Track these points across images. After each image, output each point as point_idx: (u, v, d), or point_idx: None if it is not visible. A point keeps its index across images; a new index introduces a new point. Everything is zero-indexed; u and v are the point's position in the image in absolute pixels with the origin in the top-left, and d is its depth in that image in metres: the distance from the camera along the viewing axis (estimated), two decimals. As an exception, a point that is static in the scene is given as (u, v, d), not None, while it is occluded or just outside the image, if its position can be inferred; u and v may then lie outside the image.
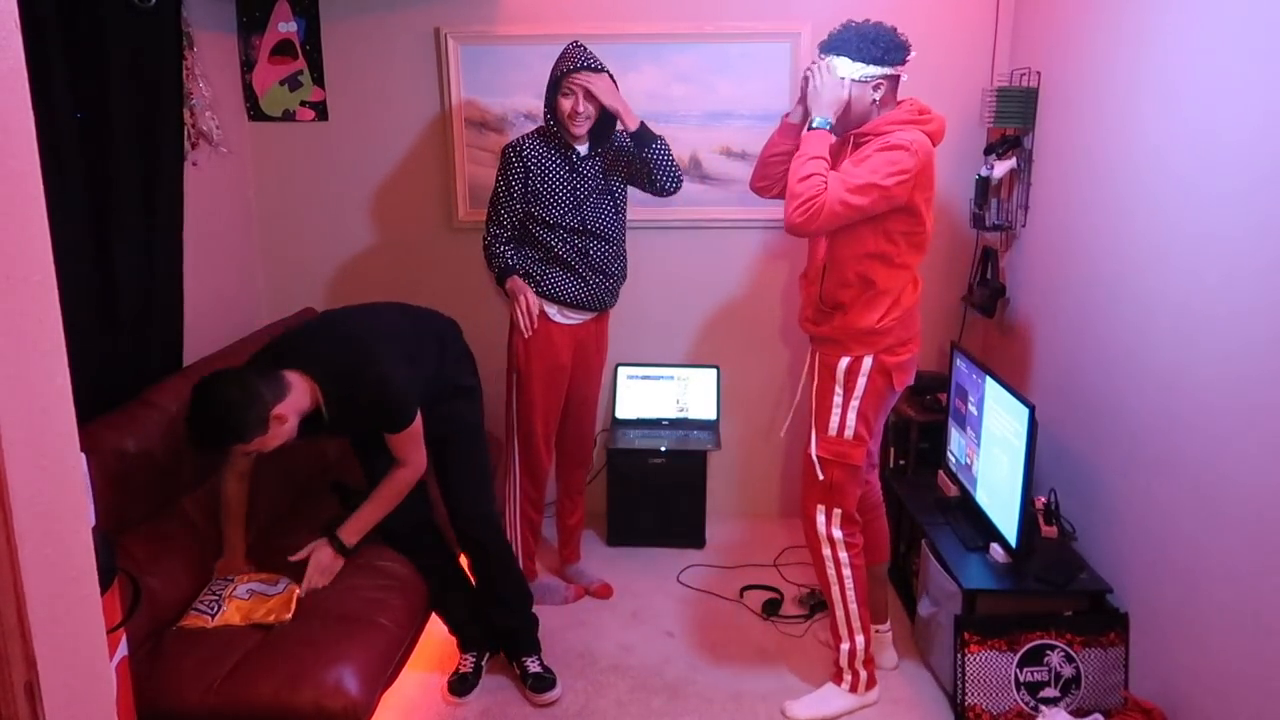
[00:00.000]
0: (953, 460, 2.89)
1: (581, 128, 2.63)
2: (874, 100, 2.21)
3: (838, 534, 2.40)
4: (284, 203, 3.34)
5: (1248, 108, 1.89)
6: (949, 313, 3.33)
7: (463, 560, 2.58)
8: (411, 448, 2.29)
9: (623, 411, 3.42)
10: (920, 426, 3.06)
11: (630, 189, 2.83)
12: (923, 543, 2.68)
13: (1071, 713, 2.27)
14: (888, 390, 2.33)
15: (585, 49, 2.59)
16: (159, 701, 1.87)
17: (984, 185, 3.00)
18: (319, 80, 3.22)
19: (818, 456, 2.37)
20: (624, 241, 2.83)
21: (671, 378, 3.43)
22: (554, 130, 2.64)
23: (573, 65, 2.55)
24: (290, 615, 2.12)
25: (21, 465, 0.94)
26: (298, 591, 2.17)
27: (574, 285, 2.72)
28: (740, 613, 2.96)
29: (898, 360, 2.31)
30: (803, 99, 2.29)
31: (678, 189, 2.73)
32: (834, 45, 2.21)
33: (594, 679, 2.61)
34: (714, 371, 3.42)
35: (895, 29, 2.21)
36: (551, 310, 2.74)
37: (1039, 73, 2.87)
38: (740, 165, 3.23)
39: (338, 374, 2.18)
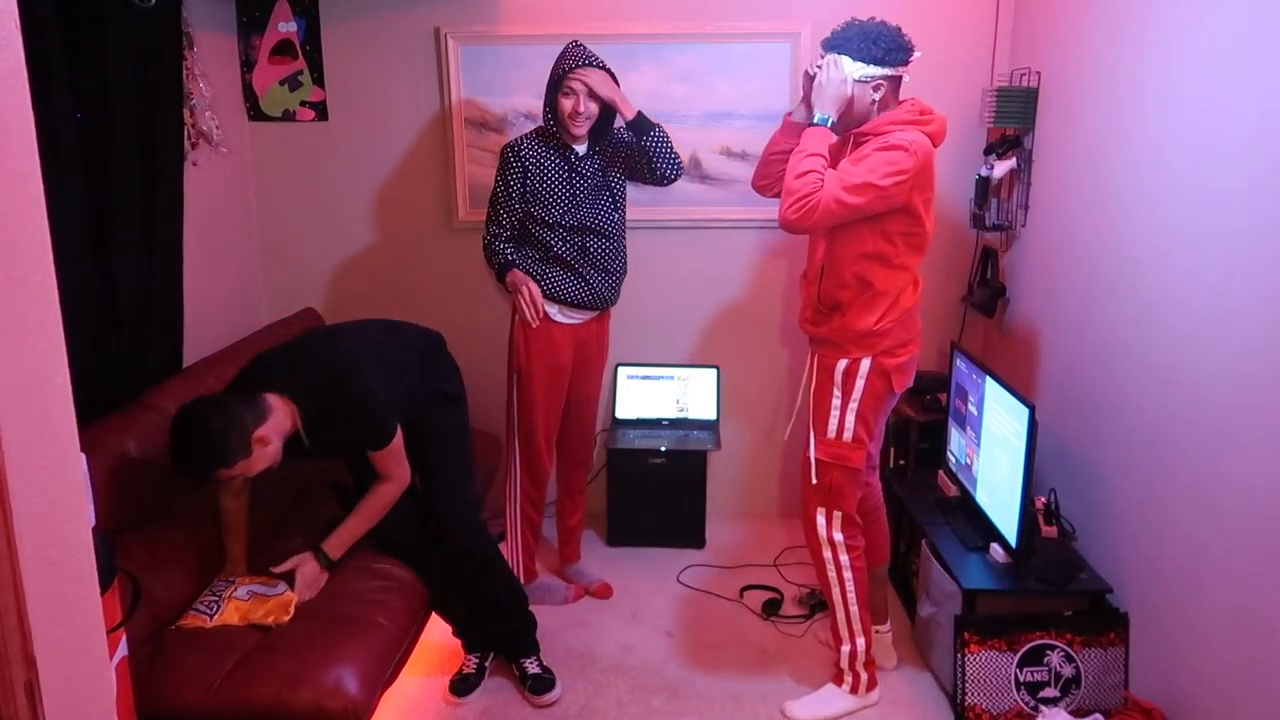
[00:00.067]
0: (953, 460, 2.89)
1: (582, 128, 2.63)
2: (874, 100, 2.21)
3: (838, 537, 2.39)
4: (284, 203, 3.34)
5: (1248, 107, 1.89)
6: (949, 313, 3.33)
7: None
8: (394, 463, 2.29)
9: (623, 411, 3.42)
10: (920, 426, 3.06)
11: (630, 187, 2.83)
12: (923, 543, 2.68)
13: (1071, 713, 2.27)
14: (887, 392, 2.33)
15: (584, 48, 2.59)
16: (159, 701, 1.87)
17: (984, 185, 3.00)
18: (319, 80, 3.22)
19: (816, 459, 2.36)
20: (624, 238, 2.83)
21: (671, 378, 3.43)
22: (553, 130, 2.64)
23: (573, 64, 2.55)
24: (288, 618, 2.12)
25: (21, 465, 0.94)
26: (295, 598, 2.17)
27: (574, 284, 2.72)
28: (740, 613, 2.96)
29: (897, 362, 2.30)
30: (806, 97, 2.29)
31: (678, 176, 2.74)
32: (836, 43, 2.20)
33: (594, 679, 2.61)
34: (714, 371, 3.42)
35: (899, 29, 2.20)
36: (553, 310, 2.74)
37: (1039, 73, 2.87)
38: (740, 165, 3.23)
39: (316, 394, 2.18)
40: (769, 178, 2.41)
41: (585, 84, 2.55)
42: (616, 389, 3.41)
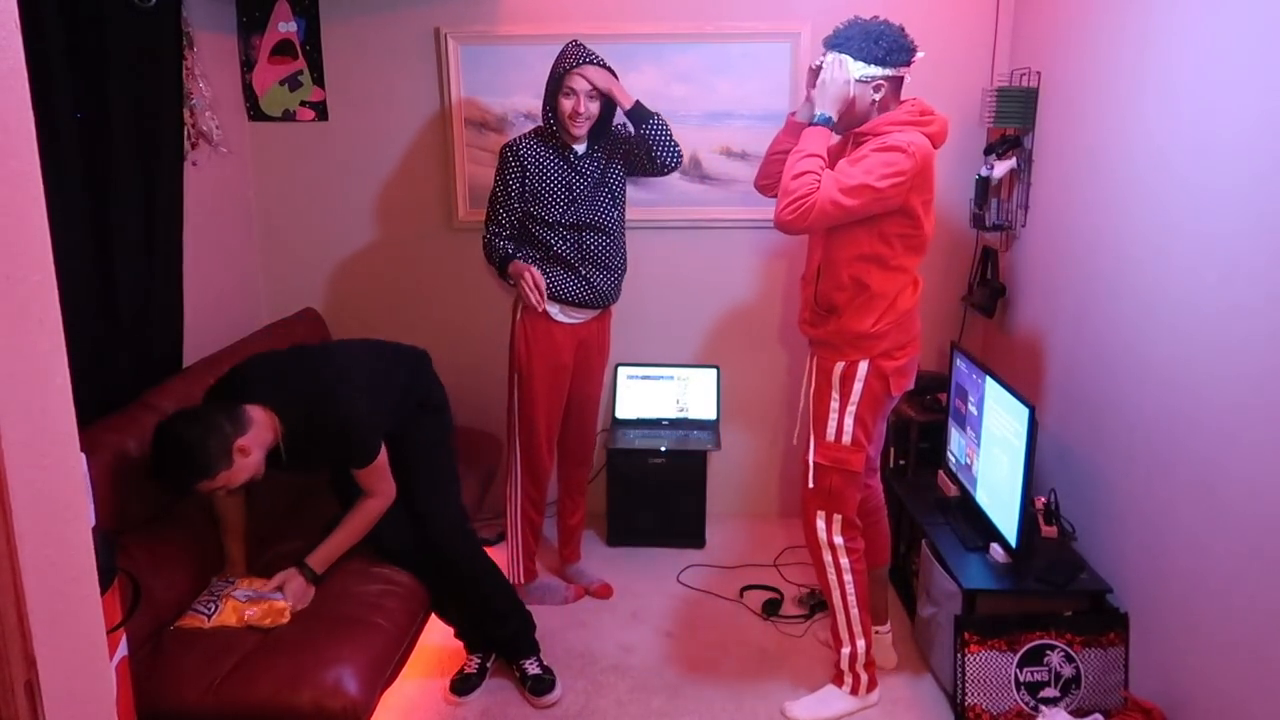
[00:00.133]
0: (953, 460, 2.89)
1: (582, 128, 2.63)
2: (874, 100, 2.19)
3: (838, 540, 2.38)
4: (284, 203, 3.34)
5: (1248, 107, 1.89)
6: (949, 313, 3.33)
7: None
8: (377, 479, 2.30)
9: (623, 411, 3.42)
10: (920, 426, 3.06)
11: (630, 187, 2.83)
12: (923, 543, 2.67)
13: (1071, 713, 2.27)
14: (885, 395, 2.31)
15: (583, 46, 2.59)
16: (159, 701, 1.87)
17: (984, 185, 3.00)
18: (319, 80, 3.22)
19: (815, 462, 2.35)
20: (623, 234, 2.82)
21: (671, 378, 3.43)
22: (553, 130, 2.65)
23: (572, 62, 2.55)
24: (286, 620, 2.12)
25: (21, 465, 0.94)
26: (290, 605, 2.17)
27: (575, 283, 2.72)
28: (740, 613, 2.96)
29: (895, 365, 2.29)
30: (810, 93, 2.28)
31: (678, 164, 2.74)
32: (838, 41, 2.19)
33: (594, 679, 2.61)
34: (714, 371, 3.42)
35: (902, 29, 2.18)
36: (554, 310, 2.73)
37: (1039, 73, 2.87)
38: (740, 165, 3.23)
39: (300, 408, 2.19)
40: (771, 177, 2.40)
41: (586, 79, 2.55)
42: (616, 389, 3.40)
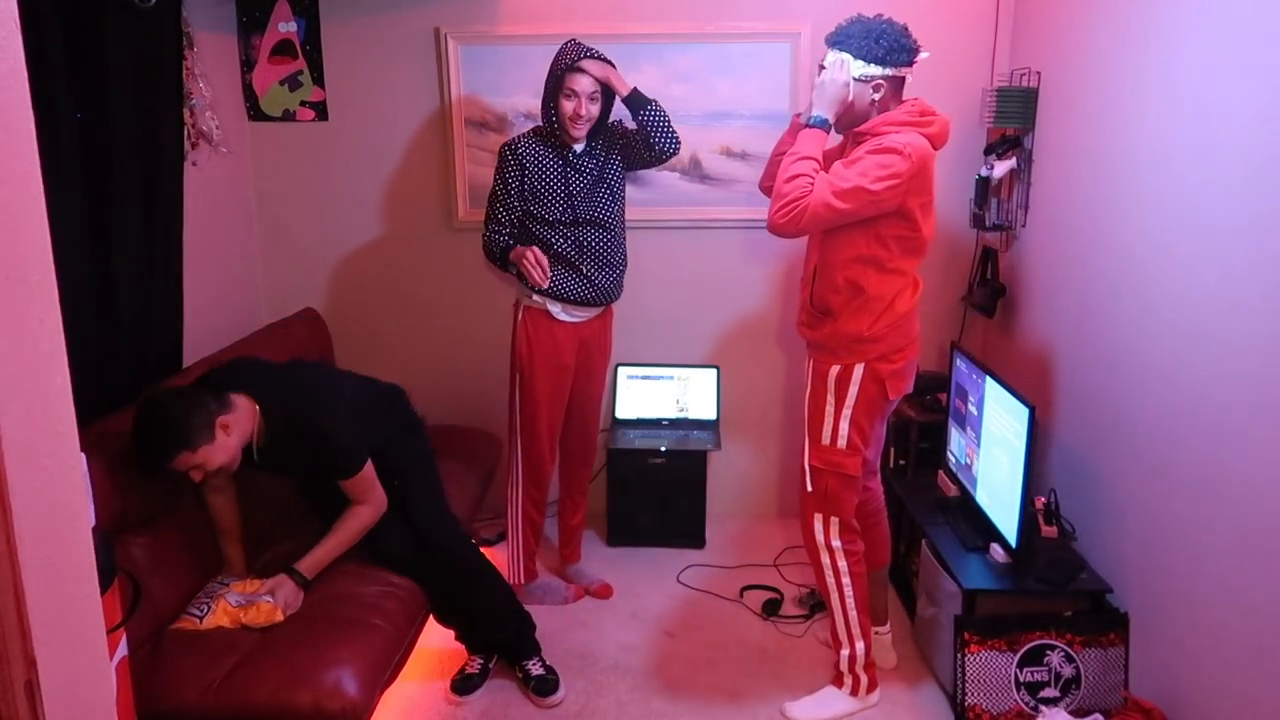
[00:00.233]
0: (953, 460, 2.89)
1: (582, 130, 2.63)
2: (873, 100, 2.17)
3: (836, 543, 2.37)
4: (284, 203, 3.34)
5: (1248, 107, 1.89)
6: (949, 313, 3.33)
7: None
8: (364, 489, 2.31)
9: (623, 411, 3.42)
10: (920, 426, 3.05)
11: (630, 186, 2.82)
12: (923, 543, 2.67)
13: (1071, 713, 2.27)
14: (882, 399, 2.29)
15: (581, 44, 2.59)
16: (159, 701, 1.87)
17: (984, 185, 3.00)
18: (319, 80, 3.22)
19: (811, 465, 2.34)
20: (623, 230, 2.82)
21: (671, 378, 3.43)
22: (553, 129, 2.65)
23: (573, 58, 2.55)
24: (279, 619, 2.12)
25: (21, 465, 0.94)
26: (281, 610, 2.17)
27: (576, 282, 2.71)
28: (740, 613, 2.96)
29: (892, 368, 2.26)
30: None
31: (676, 150, 2.73)
32: (839, 39, 2.16)
33: (594, 679, 2.61)
34: (714, 371, 3.42)
35: (905, 28, 2.15)
36: (555, 309, 2.73)
37: (1039, 73, 2.87)
38: (740, 165, 3.23)
39: (284, 409, 2.22)
40: (774, 179, 2.39)
41: (586, 73, 2.55)
42: (616, 389, 3.40)
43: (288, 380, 2.32)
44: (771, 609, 2.93)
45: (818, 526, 2.38)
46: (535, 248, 2.63)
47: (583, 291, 2.72)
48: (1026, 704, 2.32)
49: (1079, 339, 2.61)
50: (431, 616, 2.48)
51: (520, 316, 2.78)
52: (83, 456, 1.09)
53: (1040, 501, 2.60)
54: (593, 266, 2.72)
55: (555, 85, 2.59)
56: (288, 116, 3.25)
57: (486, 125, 3.24)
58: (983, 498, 2.63)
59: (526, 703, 2.51)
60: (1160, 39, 2.22)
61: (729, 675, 2.63)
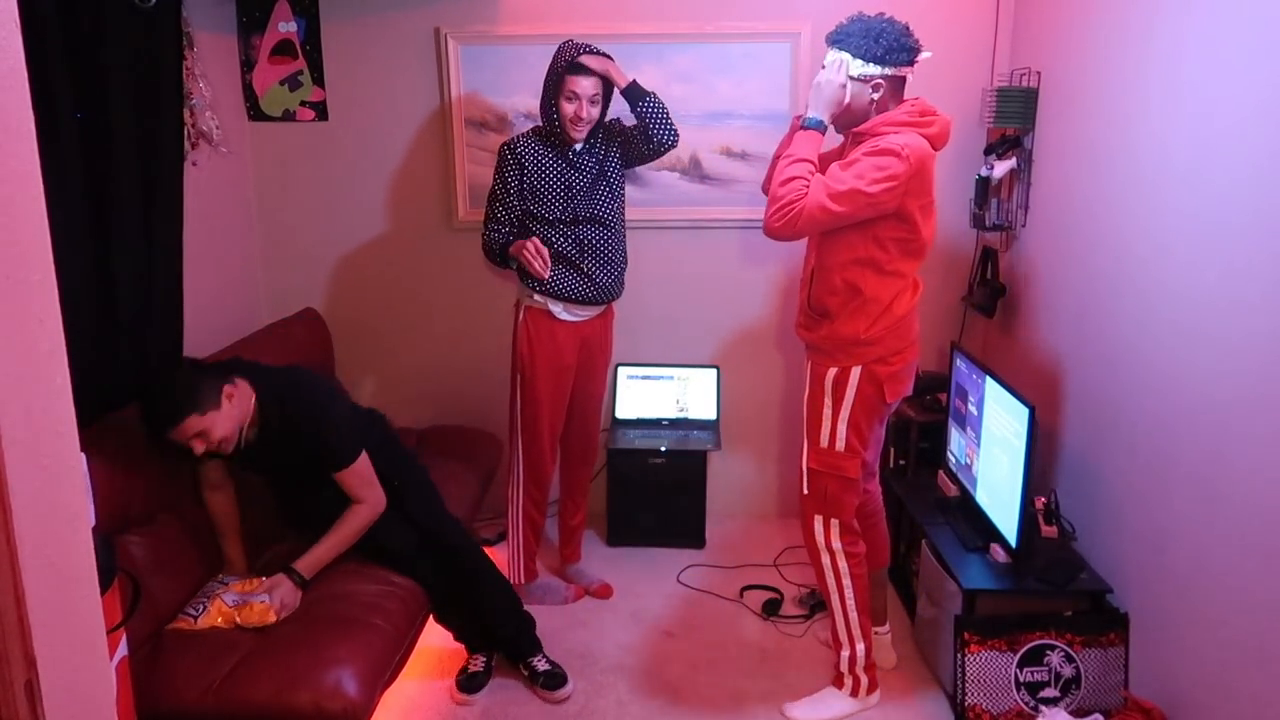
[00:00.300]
0: (953, 460, 2.89)
1: (582, 132, 2.63)
2: (872, 100, 2.15)
3: (837, 545, 2.37)
4: (284, 203, 3.34)
5: (1248, 107, 1.89)
6: (949, 313, 3.33)
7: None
8: (360, 484, 2.32)
9: (623, 411, 3.42)
10: (920, 426, 3.06)
11: (630, 186, 2.83)
12: (923, 543, 2.67)
13: (1071, 713, 2.27)
14: (880, 402, 2.27)
15: (579, 43, 2.59)
16: (159, 701, 1.88)
17: (984, 185, 3.00)
18: (319, 80, 3.22)
19: (809, 468, 2.34)
20: (623, 227, 2.82)
21: (671, 378, 3.43)
22: (553, 129, 2.65)
23: (571, 54, 2.55)
24: (272, 620, 2.12)
25: (21, 465, 0.94)
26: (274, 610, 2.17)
27: (576, 280, 2.71)
28: (740, 613, 2.95)
29: (890, 370, 2.24)
30: None
31: (674, 143, 2.73)
32: (838, 38, 2.14)
33: (594, 679, 2.61)
34: (714, 371, 3.42)
35: (906, 27, 2.12)
36: (557, 308, 2.73)
37: (1039, 73, 2.87)
38: (740, 165, 3.23)
39: (280, 395, 2.27)
40: None
41: (589, 76, 2.56)
42: (616, 389, 3.40)
43: (283, 374, 2.36)
44: (771, 609, 2.93)
45: (818, 528, 2.38)
46: (535, 239, 2.64)
47: (584, 290, 2.72)
48: (1026, 704, 2.32)
49: (1079, 338, 2.61)
50: (432, 616, 2.48)
51: (521, 316, 2.78)
52: (83, 456, 1.09)
53: (1040, 501, 2.60)
54: (594, 264, 2.72)
55: (556, 86, 2.59)
56: (288, 116, 3.25)
57: (486, 125, 3.24)
58: (983, 498, 2.63)
59: (527, 702, 2.51)
60: (1160, 38, 2.22)
61: (729, 675, 2.63)
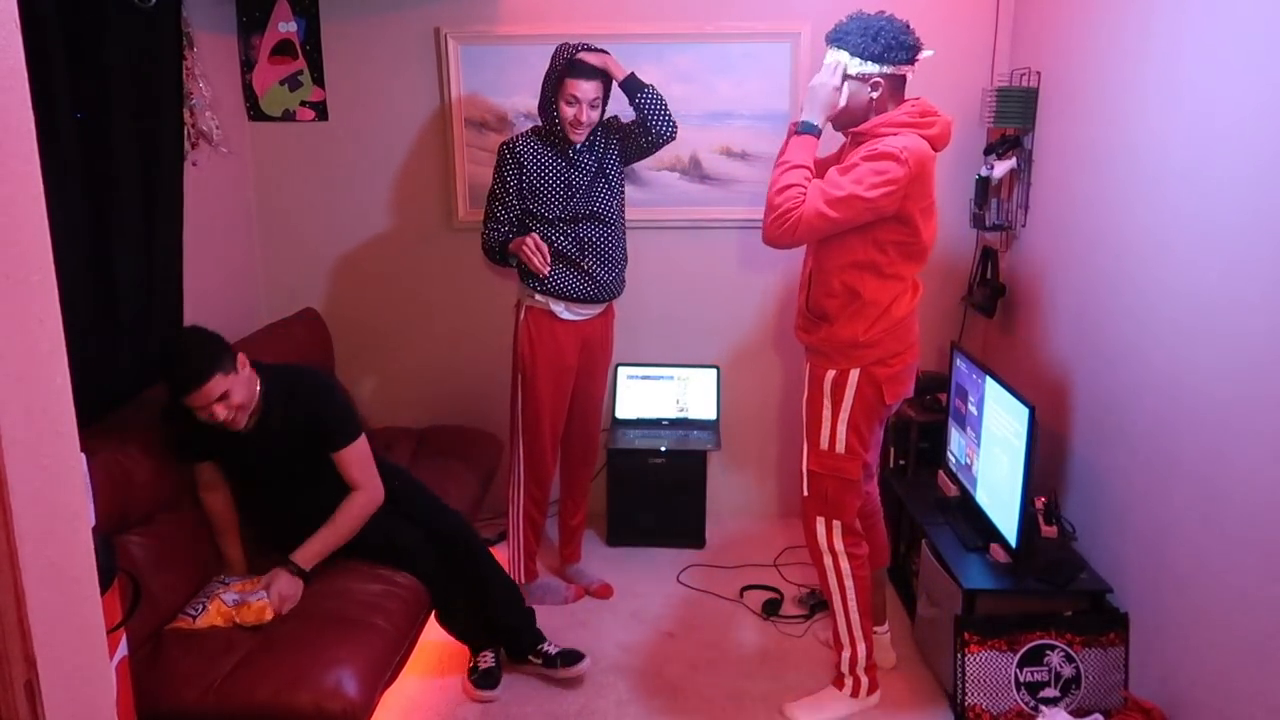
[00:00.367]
0: (953, 460, 2.89)
1: (582, 135, 2.63)
2: (870, 99, 2.12)
3: (839, 546, 2.36)
4: (284, 203, 3.34)
5: (1248, 107, 1.89)
6: (949, 313, 3.33)
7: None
8: (361, 470, 2.33)
9: (623, 411, 3.42)
10: (920, 426, 3.05)
11: (630, 186, 2.82)
12: (923, 543, 2.67)
13: (1071, 713, 2.27)
14: (879, 404, 2.26)
15: (574, 44, 2.58)
16: (159, 701, 1.88)
17: (984, 185, 3.00)
18: (319, 80, 3.22)
19: (810, 470, 2.33)
20: (623, 225, 2.82)
21: (671, 378, 3.43)
22: (553, 128, 2.64)
23: (570, 52, 2.55)
24: (269, 618, 2.13)
25: (21, 465, 0.94)
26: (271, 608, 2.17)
27: (577, 279, 2.71)
28: (740, 613, 2.95)
29: (889, 372, 2.23)
30: None
31: (673, 136, 2.73)
32: (837, 36, 2.12)
33: (594, 679, 2.60)
34: (714, 371, 3.42)
35: (906, 25, 2.10)
36: (558, 307, 2.73)
37: (1039, 73, 2.87)
38: (740, 165, 3.23)
39: (285, 379, 2.32)
40: None
41: (589, 80, 2.55)
42: (616, 389, 3.40)
43: (285, 366, 2.41)
44: (771, 609, 2.93)
45: (820, 530, 2.37)
46: (534, 235, 2.64)
47: (585, 288, 2.72)
48: (1026, 704, 2.32)
49: (1079, 338, 2.61)
50: (433, 616, 2.48)
51: (522, 316, 2.77)
52: (83, 456, 1.09)
53: (1040, 501, 2.60)
54: (594, 262, 2.72)
55: (555, 88, 2.59)
56: (288, 116, 3.25)
57: (486, 125, 3.24)
58: (983, 498, 2.63)
59: (527, 702, 2.51)
60: (1160, 38, 2.22)
61: (729, 675, 2.63)
